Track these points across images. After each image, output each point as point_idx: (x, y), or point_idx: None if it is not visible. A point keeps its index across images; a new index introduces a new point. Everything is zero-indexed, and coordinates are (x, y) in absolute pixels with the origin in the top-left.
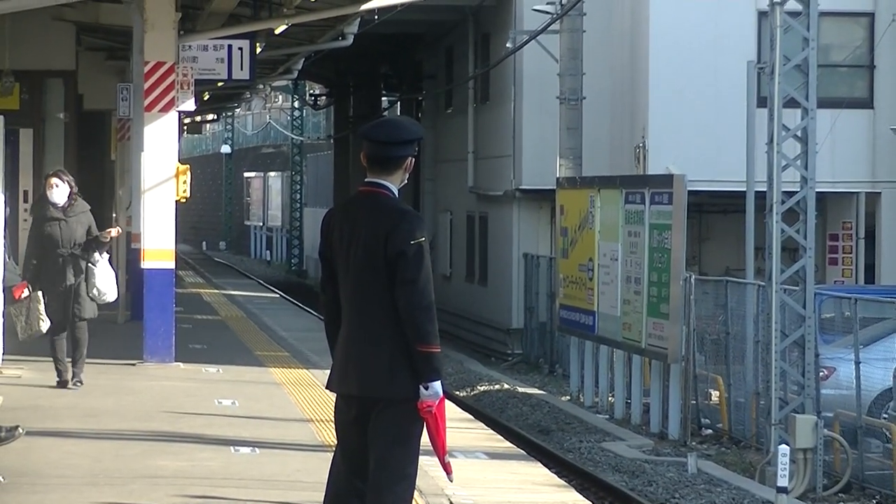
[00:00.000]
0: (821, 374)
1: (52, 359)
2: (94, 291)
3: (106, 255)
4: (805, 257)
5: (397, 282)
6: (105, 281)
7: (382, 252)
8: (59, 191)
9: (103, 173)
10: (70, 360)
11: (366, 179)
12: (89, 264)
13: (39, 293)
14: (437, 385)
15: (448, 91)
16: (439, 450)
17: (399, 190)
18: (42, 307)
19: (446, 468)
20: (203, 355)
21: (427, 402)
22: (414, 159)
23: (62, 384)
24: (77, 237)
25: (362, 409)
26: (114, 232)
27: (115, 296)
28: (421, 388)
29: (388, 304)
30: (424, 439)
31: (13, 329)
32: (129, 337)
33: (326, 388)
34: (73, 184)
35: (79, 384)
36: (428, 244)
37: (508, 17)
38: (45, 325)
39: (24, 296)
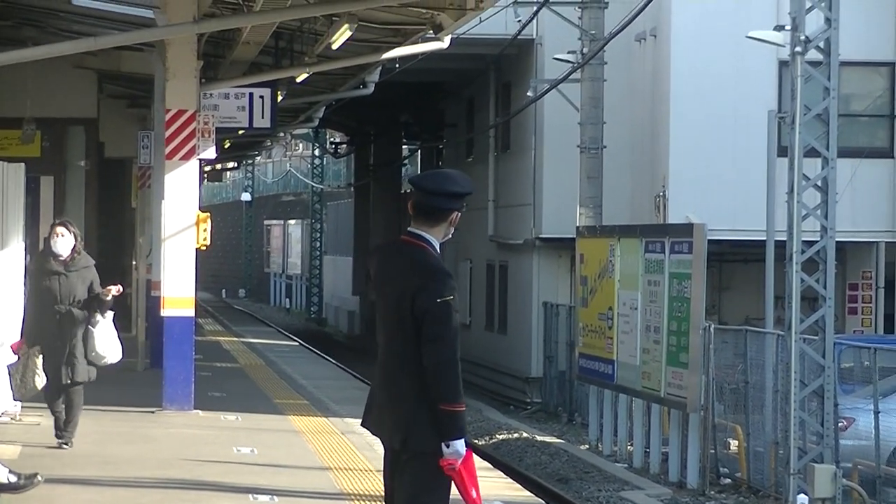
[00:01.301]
0: (840, 424)
1: (51, 414)
2: (93, 354)
3: (110, 314)
4: (824, 307)
5: (423, 339)
6: (105, 343)
7: (409, 308)
8: (64, 241)
9: (123, 221)
10: (63, 420)
11: (408, 228)
12: (88, 326)
13: (37, 349)
14: (459, 444)
15: (469, 139)
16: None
17: (441, 244)
18: (39, 363)
19: None
20: (222, 403)
21: (449, 460)
22: (460, 214)
23: (58, 432)
24: (77, 293)
25: (393, 455)
26: (114, 290)
27: (118, 357)
28: (443, 445)
29: (414, 358)
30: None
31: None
32: (149, 384)
33: (361, 424)
34: (78, 236)
35: (66, 446)
36: (456, 302)
37: (529, 66)
38: (40, 381)
39: (21, 351)
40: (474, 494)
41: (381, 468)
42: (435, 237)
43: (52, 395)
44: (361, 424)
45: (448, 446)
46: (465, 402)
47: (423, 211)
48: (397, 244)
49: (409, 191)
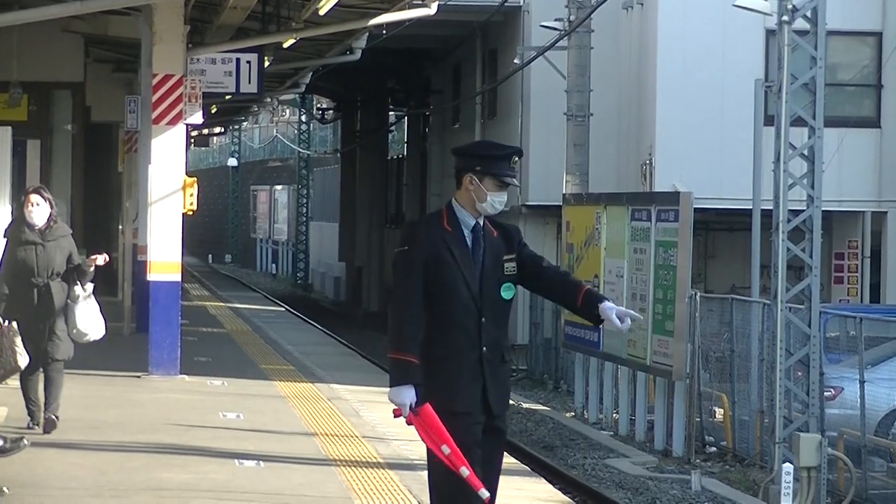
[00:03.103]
0: (828, 393)
1: (23, 398)
2: (74, 331)
3: (90, 287)
4: (810, 276)
5: None
6: (87, 318)
7: None
8: (39, 210)
9: (110, 185)
10: (44, 400)
11: None
12: (68, 300)
13: (14, 325)
14: (394, 391)
15: (455, 106)
16: (446, 463)
17: (462, 207)
18: (19, 341)
19: (470, 482)
20: (208, 368)
21: (396, 408)
22: (476, 177)
23: (35, 425)
24: (55, 265)
25: None
26: (100, 260)
27: (102, 333)
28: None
29: None
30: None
31: None
32: (135, 349)
33: None
34: (54, 203)
35: (52, 427)
36: (411, 254)
37: (516, 33)
38: (23, 360)
39: None
40: (446, 451)
41: (367, 434)
42: (459, 202)
43: (30, 374)
44: None
45: (389, 392)
46: (410, 353)
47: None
48: None
49: (399, 157)
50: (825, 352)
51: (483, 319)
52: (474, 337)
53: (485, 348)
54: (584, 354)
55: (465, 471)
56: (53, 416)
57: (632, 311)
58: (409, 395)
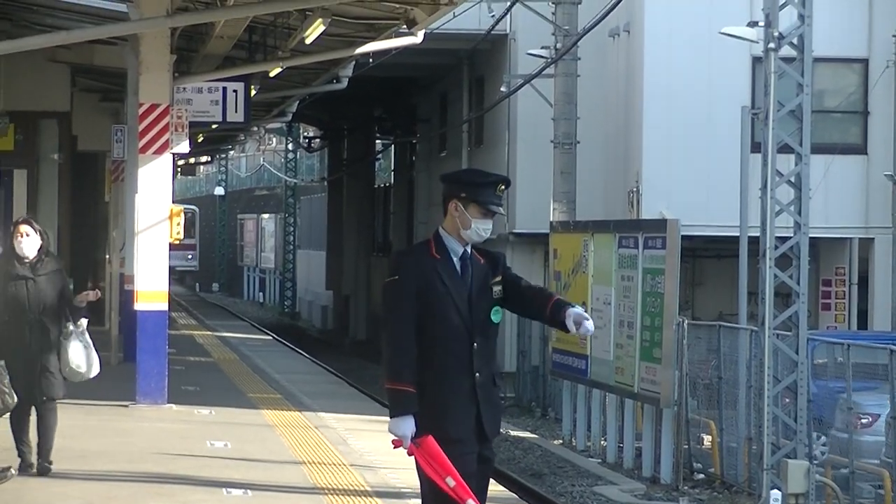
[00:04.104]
0: (864, 420)
1: (13, 440)
2: (68, 370)
3: (84, 322)
4: (798, 302)
5: None
6: (81, 355)
7: None
8: (30, 242)
9: (97, 214)
10: (37, 443)
11: None
12: (60, 338)
13: (3, 363)
14: (394, 422)
15: (442, 134)
16: (452, 496)
17: (453, 237)
18: (7, 381)
19: None
20: (196, 397)
21: (396, 439)
22: (461, 204)
23: (26, 468)
24: (48, 300)
25: None
26: (91, 296)
27: (97, 371)
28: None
29: None
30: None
31: None
32: (122, 378)
33: None
34: (45, 235)
35: (47, 470)
36: (402, 284)
37: (503, 61)
38: (11, 400)
39: None
40: (451, 483)
41: (354, 462)
42: (446, 229)
43: (21, 416)
44: None
45: (389, 424)
46: (407, 382)
47: None
48: None
49: (386, 185)
50: (812, 378)
51: (475, 345)
52: (466, 363)
53: (477, 374)
54: (571, 382)
55: (472, 503)
56: (47, 464)
57: (586, 316)
58: (409, 425)
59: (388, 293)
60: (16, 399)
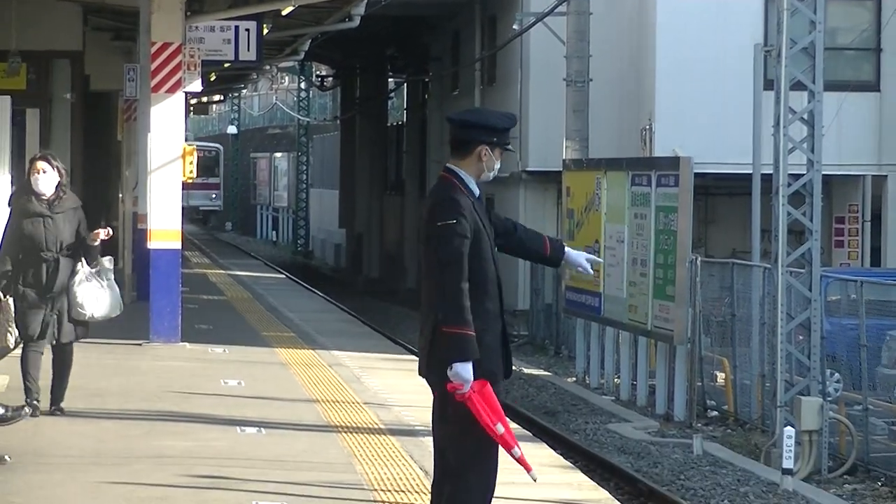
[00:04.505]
0: None
1: (21, 374)
2: (74, 311)
3: (105, 261)
4: (811, 240)
5: (432, 264)
6: (91, 296)
7: (425, 236)
8: (47, 178)
9: (110, 154)
10: (51, 385)
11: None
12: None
13: (11, 301)
14: (460, 367)
15: (455, 73)
16: (500, 443)
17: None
18: (12, 317)
19: (521, 463)
20: (209, 335)
21: (455, 384)
22: (490, 149)
23: (30, 407)
24: (65, 238)
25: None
26: (103, 234)
27: (106, 313)
28: (448, 369)
29: (432, 286)
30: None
31: None
32: (135, 317)
33: None
34: (63, 172)
35: (59, 412)
36: (464, 227)
37: None
38: (11, 338)
39: None
40: (501, 430)
41: (368, 400)
42: (465, 171)
43: (33, 355)
44: None
45: (451, 368)
46: (469, 326)
47: (450, 144)
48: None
49: (398, 123)
50: (825, 315)
51: (501, 286)
52: (498, 305)
53: (504, 315)
54: (585, 320)
55: (518, 451)
56: (58, 411)
57: (591, 257)
58: (471, 371)
59: (444, 236)
60: (15, 337)
